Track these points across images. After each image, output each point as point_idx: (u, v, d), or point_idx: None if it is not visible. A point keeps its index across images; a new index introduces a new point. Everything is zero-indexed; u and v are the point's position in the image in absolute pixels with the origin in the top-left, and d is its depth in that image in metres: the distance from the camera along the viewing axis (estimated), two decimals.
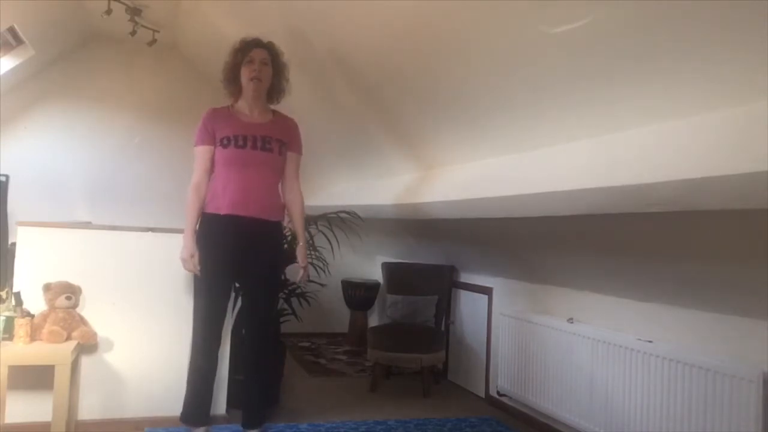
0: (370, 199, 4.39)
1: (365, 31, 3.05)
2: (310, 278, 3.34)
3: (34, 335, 2.89)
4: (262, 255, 3.00)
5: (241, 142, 2.93)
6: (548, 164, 2.56)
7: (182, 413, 3.05)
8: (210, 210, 2.97)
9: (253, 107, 3.04)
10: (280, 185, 3.11)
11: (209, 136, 2.98)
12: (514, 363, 3.58)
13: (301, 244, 3.17)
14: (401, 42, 2.86)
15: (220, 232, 2.95)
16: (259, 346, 3.08)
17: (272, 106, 3.13)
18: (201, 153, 3.00)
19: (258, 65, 2.97)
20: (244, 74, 2.98)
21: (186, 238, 2.95)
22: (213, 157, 2.99)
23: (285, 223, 3.21)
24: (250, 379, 3.10)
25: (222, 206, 2.93)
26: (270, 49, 3.03)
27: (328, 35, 3.42)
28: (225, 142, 2.93)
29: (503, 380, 3.68)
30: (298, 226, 3.18)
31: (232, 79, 3.03)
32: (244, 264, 2.99)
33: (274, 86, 3.06)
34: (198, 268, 2.92)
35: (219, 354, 3.09)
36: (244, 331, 3.18)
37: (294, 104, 3.20)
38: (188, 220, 2.97)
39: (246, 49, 2.99)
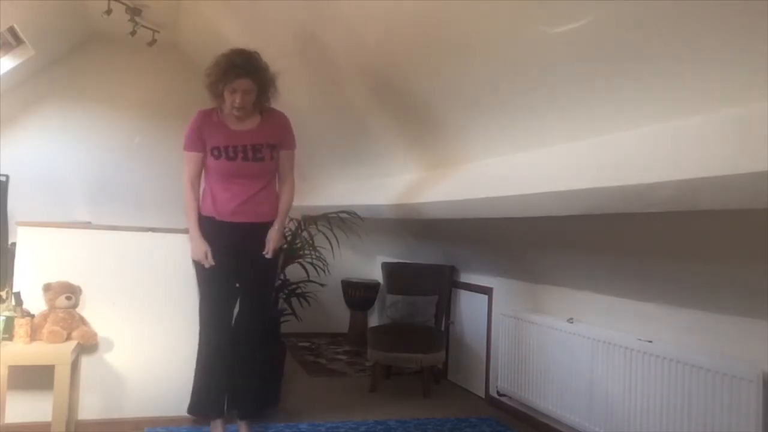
0: (370, 199, 4.39)
1: (366, 32, 3.05)
2: (276, 255, 3.09)
3: (34, 335, 2.90)
4: (257, 249, 3.01)
5: (231, 154, 2.91)
6: (548, 164, 2.55)
7: (190, 404, 3.02)
8: (204, 213, 3.00)
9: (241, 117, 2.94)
10: (276, 183, 3.10)
11: (200, 143, 2.96)
12: (514, 363, 3.58)
13: (276, 227, 3.03)
14: (402, 43, 2.86)
15: (215, 233, 2.98)
16: (249, 335, 3.05)
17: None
18: (191, 159, 2.98)
19: (240, 96, 2.81)
20: (227, 100, 2.84)
21: (193, 238, 2.96)
22: (203, 162, 2.97)
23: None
24: (240, 369, 3.05)
25: (217, 213, 2.96)
26: (254, 75, 2.83)
27: (329, 35, 3.42)
28: (216, 153, 2.92)
29: (503, 380, 3.68)
30: (280, 217, 3.06)
31: (215, 92, 2.89)
32: (240, 259, 3.00)
33: (259, 99, 2.92)
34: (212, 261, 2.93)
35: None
36: (233, 323, 3.13)
37: (294, 104, 3.20)
38: (190, 220, 2.98)
39: (229, 75, 2.80)
